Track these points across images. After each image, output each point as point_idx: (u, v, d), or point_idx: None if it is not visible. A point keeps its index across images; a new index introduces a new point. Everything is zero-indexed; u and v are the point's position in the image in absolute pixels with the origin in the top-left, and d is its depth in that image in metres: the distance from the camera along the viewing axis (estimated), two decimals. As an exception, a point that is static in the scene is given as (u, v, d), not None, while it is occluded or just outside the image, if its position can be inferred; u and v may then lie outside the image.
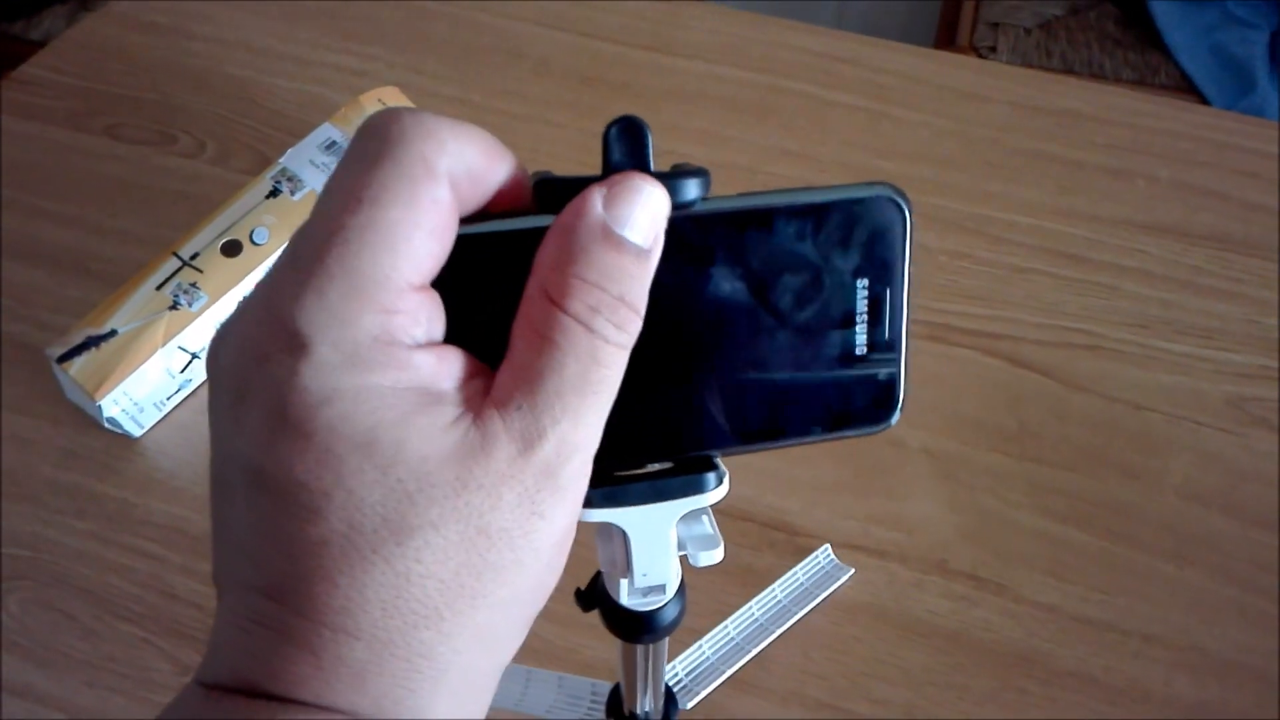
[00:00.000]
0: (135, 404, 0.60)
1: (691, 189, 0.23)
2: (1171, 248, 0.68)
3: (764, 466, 0.60)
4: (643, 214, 0.22)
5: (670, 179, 0.23)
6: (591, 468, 0.23)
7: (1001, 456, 0.60)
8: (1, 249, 0.69)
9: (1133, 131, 0.74)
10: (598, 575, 0.32)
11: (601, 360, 0.22)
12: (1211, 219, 0.69)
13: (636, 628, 0.32)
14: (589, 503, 0.26)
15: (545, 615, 0.25)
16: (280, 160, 0.65)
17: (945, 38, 1.61)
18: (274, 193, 0.64)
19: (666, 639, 0.34)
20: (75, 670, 0.55)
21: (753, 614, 0.55)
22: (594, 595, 0.33)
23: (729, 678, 0.52)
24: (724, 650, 0.53)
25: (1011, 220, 0.69)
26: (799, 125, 0.74)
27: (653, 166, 0.23)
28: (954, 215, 0.69)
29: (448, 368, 0.22)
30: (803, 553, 0.57)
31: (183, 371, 0.61)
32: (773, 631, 0.54)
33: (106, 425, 0.60)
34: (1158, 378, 0.62)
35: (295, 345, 0.20)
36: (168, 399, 0.62)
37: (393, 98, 0.69)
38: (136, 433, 0.62)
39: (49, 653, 0.56)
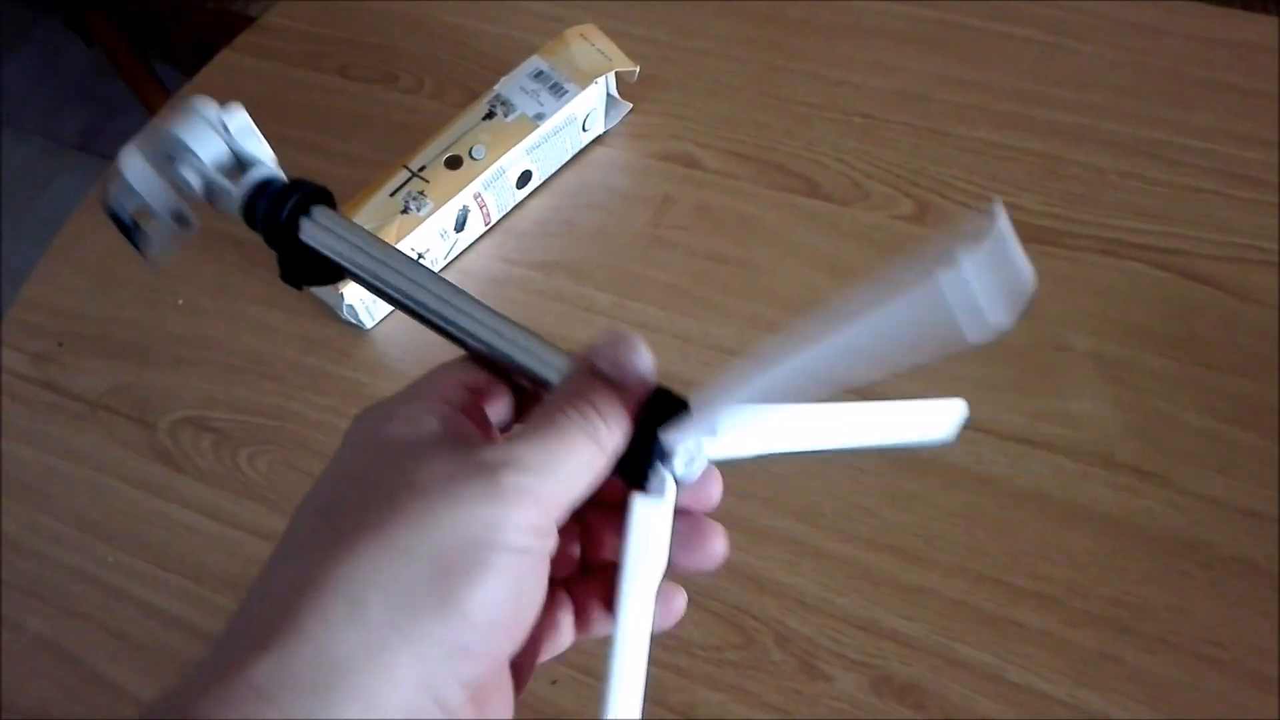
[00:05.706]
0: (370, 296, 0.68)
1: None
2: (1353, 170, 0.68)
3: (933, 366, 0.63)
4: None
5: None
6: None
7: (1170, 361, 0.62)
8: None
9: (1315, 62, 0.73)
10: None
11: None
12: (1398, 143, 0.68)
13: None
14: None
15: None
16: (495, 87, 0.73)
17: None
18: (489, 115, 0.71)
19: None
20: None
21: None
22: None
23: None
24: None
25: (1185, 144, 0.70)
26: (974, 57, 0.77)
27: None
28: (1126, 139, 0.71)
29: None
30: (964, 442, 0.60)
31: (407, 270, 0.69)
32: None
33: (345, 315, 0.69)
34: (1334, 292, 0.63)
35: None
36: (394, 295, 0.70)
37: (593, 35, 0.76)
38: (368, 324, 0.70)
39: (292, 505, 0.64)
